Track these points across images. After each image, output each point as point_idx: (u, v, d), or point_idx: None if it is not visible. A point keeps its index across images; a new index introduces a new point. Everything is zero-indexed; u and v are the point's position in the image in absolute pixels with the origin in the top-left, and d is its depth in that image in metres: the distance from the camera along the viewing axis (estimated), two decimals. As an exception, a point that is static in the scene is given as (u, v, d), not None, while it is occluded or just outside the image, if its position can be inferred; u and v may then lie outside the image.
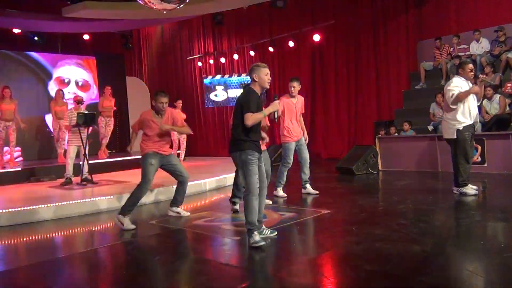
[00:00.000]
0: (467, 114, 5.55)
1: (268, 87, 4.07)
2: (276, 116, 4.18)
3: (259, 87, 4.03)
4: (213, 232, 4.70)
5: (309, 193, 6.42)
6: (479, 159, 7.78)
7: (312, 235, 4.38)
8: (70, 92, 11.94)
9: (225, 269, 3.52)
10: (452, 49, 9.88)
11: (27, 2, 11.03)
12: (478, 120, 5.78)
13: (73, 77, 12.52)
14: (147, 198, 6.34)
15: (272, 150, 10.66)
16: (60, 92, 9.90)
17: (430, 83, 10.02)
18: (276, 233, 4.26)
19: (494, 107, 8.10)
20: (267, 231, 4.22)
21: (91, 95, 12.71)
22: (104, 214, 5.92)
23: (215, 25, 13.75)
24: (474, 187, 5.66)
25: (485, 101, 8.22)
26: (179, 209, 5.43)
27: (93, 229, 5.31)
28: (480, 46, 9.42)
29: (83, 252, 4.29)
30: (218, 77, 14.27)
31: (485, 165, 7.71)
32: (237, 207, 5.45)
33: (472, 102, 5.58)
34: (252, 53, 13.06)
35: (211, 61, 14.35)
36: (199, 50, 14.88)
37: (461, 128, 5.55)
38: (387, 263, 3.31)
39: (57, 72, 12.21)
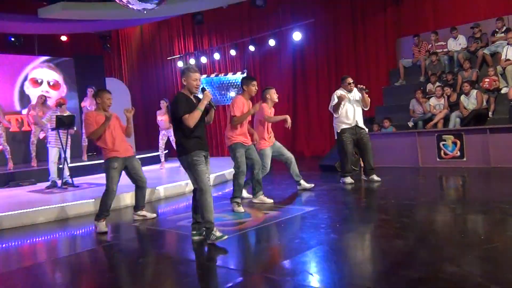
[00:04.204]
0: (345, 118, 6.60)
1: (196, 92, 4.10)
2: (213, 105, 4.12)
3: (188, 91, 4.09)
4: (197, 232, 4.67)
5: (305, 188, 6.53)
6: (458, 153, 7.92)
7: (296, 233, 4.39)
8: (43, 90, 11.79)
9: (210, 269, 3.51)
10: (430, 45, 10.03)
11: (0, 2, 10.75)
12: (360, 124, 6.66)
13: (45, 78, 12.38)
14: (131, 200, 6.26)
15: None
16: (42, 98, 9.62)
17: (409, 79, 10.16)
18: (226, 236, 4.04)
19: (471, 102, 8.25)
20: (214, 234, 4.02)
21: (61, 93, 12.57)
22: (86, 217, 5.83)
23: (195, 25, 13.67)
24: (352, 180, 6.76)
25: (462, 97, 8.38)
26: (144, 212, 5.36)
27: (75, 233, 5.23)
28: (457, 43, 9.58)
29: (65, 257, 4.22)
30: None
31: (464, 159, 7.86)
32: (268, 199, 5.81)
33: (350, 108, 6.60)
34: (233, 52, 13.03)
35: (192, 61, 14.26)
36: (180, 50, 14.78)
37: (339, 131, 6.67)
38: (371, 259, 3.35)
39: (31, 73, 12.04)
